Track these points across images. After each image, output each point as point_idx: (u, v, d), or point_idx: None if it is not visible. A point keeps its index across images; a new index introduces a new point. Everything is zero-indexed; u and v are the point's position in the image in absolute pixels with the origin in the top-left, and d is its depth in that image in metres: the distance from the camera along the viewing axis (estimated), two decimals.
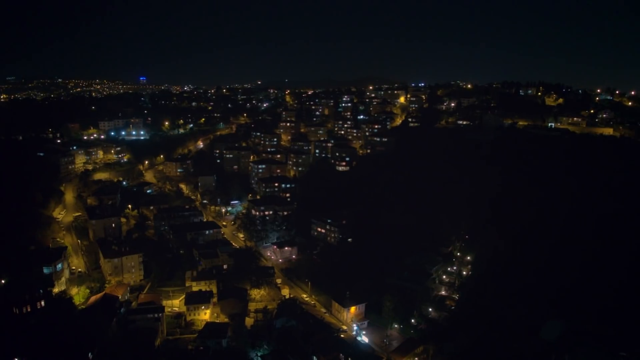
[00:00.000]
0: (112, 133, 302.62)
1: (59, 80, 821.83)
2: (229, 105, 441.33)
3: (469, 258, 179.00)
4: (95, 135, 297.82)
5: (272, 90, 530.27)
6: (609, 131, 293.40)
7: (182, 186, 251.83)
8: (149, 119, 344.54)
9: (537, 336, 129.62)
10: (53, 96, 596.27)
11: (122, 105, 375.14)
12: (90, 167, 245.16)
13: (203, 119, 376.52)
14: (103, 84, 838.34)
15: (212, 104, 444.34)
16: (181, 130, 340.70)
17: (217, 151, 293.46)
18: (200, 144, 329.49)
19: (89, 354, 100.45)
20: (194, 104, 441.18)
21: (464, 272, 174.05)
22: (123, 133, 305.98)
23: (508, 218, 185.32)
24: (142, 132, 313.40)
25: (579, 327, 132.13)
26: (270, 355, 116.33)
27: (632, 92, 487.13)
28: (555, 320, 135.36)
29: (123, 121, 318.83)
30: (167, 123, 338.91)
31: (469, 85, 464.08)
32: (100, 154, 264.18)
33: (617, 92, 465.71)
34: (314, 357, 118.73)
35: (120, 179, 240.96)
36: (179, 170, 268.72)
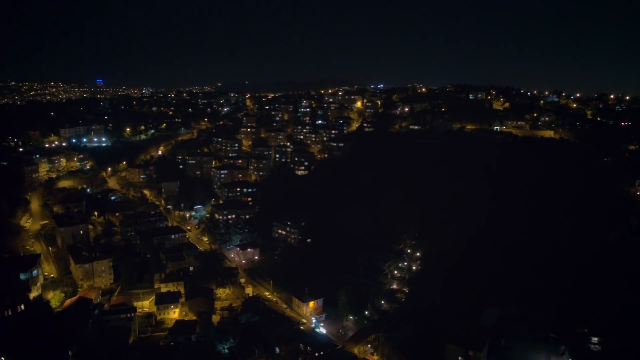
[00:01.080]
0: (74, 140, 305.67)
1: (12, 83, 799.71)
2: (190, 109, 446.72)
3: (418, 254, 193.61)
4: (56, 142, 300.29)
5: (232, 94, 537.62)
6: (549, 133, 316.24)
7: (146, 192, 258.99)
8: (110, 125, 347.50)
9: (477, 322, 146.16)
10: (7, 100, 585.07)
11: (82, 111, 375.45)
12: (54, 175, 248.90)
13: (164, 125, 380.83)
14: (58, 87, 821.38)
15: (172, 108, 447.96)
16: (143, 136, 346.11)
17: (180, 157, 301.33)
18: (162, 150, 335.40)
19: (69, 351, 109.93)
20: (154, 108, 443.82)
21: (414, 267, 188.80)
22: (85, 140, 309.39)
23: (454, 216, 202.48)
24: (103, 139, 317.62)
25: (514, 314, 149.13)
26: (236, 347, 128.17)
27: (578, 94, 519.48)
28: (493, 309, 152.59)
29: (84, 128, 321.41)
30: (128, 129, 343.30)
31: (424, 89, 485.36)
32: (63, 161, 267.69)
33: (563, 94, 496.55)
34: (277, 348, 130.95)
35: (85, 186, 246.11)
36: (142, 176, 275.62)
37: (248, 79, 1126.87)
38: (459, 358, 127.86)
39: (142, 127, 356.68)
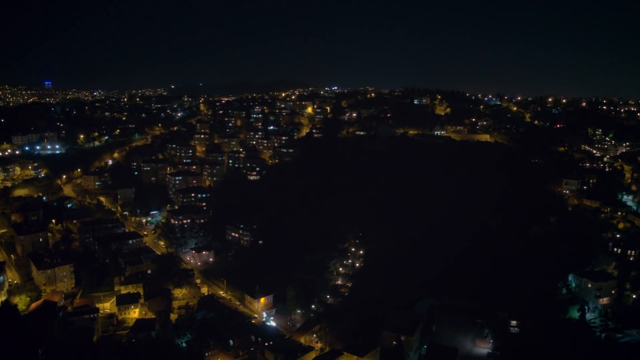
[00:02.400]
0: (27, 148, 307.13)
1: None
2: (143, 115, 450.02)
3: (361, 252, 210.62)
4: (9, 150, 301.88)
5: (186, 99, 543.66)
6: (485, 137, 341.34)
7: (102, 199, 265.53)
8: (63, 132, 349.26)
9: (412, 311, 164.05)
10: None
11: (33, 117, 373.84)
12: (9, 184, 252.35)
13: (118, 130, 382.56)
14: (5, 89, 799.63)
15: (126, 114, 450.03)
16: (97, 143, 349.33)
17: (135, 163, 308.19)
18: (117, 156, 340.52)
19: (39, 350, 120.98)
20: (107, 114, 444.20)
21: (357, 264, 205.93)
22: (38, 148, 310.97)
23: (394, 216, 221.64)
24: (57, 146, 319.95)
25: (445, 303, 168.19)
26: (193, 341, 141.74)
27: (519, 97, 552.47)
28: (426, 299, 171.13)
29: (37, 135, 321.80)
30: (82, 136, 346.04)
31: (373, 94, 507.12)
32: (18, 170, 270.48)
33: (505, 97, 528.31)
34: (230, 341, 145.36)
35: (40, 194, 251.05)
36: (97, 183, 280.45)
37: (202, 81, 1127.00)
38: (393, 342, 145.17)
39: (96, 134, 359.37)
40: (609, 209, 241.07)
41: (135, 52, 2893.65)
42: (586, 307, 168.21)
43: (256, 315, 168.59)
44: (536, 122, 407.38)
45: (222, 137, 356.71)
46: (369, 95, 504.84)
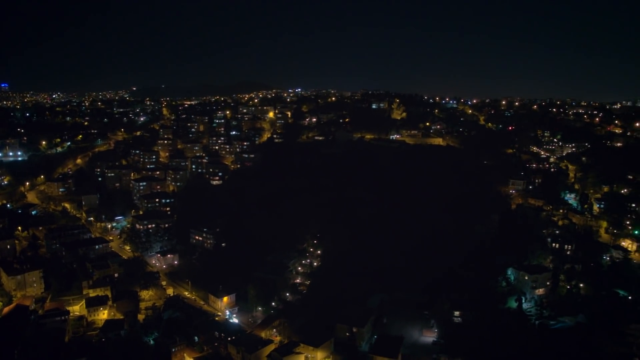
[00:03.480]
0: None
1: None
2: (105, 119, 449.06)
3: (319, 252, 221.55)
4: None
5: (148, 102, 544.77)
6: (438, 141, 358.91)
7: (67, 205, 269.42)
8: (25, 138, 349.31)
9: (365, 305, 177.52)
10: None
11: None
12: None
13: (80, 136, 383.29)
14: None
15: (87, 118, 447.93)
16: (59, 149, 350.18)
17: (98, 169, 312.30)
18: (80, 162, 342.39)
19: (14, 351, 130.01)
20: (68, 119, 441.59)
21: (315, 263, 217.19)
22: None
23: (350, 217, 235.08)
24: (19, 153, 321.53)
25: (395, 297, 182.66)
26: (160, 338, 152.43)
27: (475, 100, 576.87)
28: (379, 293, 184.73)
29: None
30: (44, 142, 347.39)
31: (334, 98, 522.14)
32: None
33: (462, 100, 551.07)
34: (195, 337, 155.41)
35: (4, 202, 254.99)
36: (60, 189, 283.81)
37: (165, 82, 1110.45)
38: (346, 334, 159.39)
39: (58, 140, 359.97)
40: (550, 207, 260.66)
41: (94, 52, 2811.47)
42: (523, 298, 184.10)
43: (219, 313, 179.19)
44: (489, 124, 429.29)
45: (185, 143, 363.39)
46: (330, 99, 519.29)
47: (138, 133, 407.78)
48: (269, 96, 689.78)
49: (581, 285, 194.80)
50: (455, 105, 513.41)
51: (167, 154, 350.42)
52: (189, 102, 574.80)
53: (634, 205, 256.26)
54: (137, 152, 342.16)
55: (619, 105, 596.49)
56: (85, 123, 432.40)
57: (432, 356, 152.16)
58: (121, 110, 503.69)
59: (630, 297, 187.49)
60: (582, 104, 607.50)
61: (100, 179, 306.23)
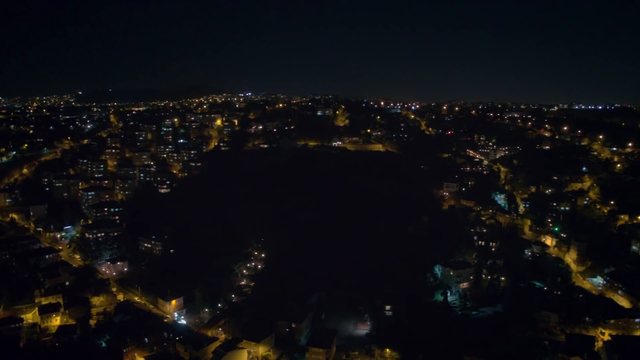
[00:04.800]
0: None
1: None
2: (51, 127, 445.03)
3: (263, 255, 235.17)
4: None
5: (95, 109, 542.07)
6: (378, 147, 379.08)
7: (14, 216, 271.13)
8: None
9: (304, 303, 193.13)
10: None
11: None
12: None
13: (26, 145, 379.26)
14: None
15: (32, 126, 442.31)
16: (4, 159, 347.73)
17: (46, 179, 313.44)
18: (26, 172, 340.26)
19: None
20: (12, 127, 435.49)
21: (259, 266, 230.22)
22: None
23: (292, 221, 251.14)
24: None
25: (333, 295, 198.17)
26: (112, 340, 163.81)
27: (417, 105, 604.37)
28: (319, 292, 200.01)
29: None
30: None
31: (281, 105, 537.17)
32: None
33: (405, 105, 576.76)
34: (146, 338, 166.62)
35: None
36: (7, 200, 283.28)
37: (112, 86, 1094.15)
38: (286, 329, 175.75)
39: (2, 149, 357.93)
40: (480, 207, 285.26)
41: (37, 54, 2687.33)
42: (449, 291, 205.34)
43: (168, 316, 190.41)
44: (430, 129, 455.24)
45: (133, 151, 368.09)
46: (278, 105, 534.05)
47: (85, 141, 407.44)
48: (219, 100, 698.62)
49: (502, 278, 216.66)
50: (399, 111, 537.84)
51: (115, 162, 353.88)
52: (137, 109, 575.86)
53: (554, 204, 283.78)
54: (85, 161, 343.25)
55: (556, 108, 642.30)
56: (31, 131, 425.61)
57: (365, 346, 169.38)
58: (67, 117, 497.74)
59: (545, 288, 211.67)
60: (522, 107, 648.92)
61: (47, 188, 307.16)
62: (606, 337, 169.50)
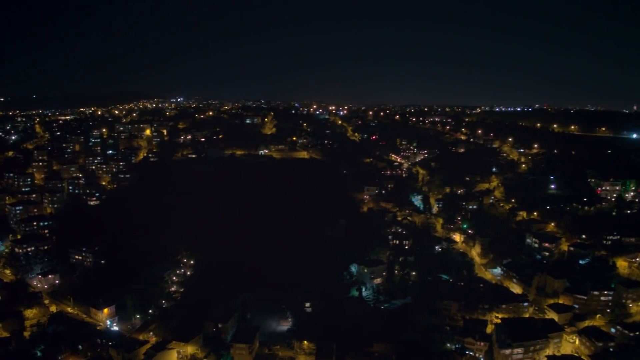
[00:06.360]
0: None
1: None
2: None
3: (192, 262, 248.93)
4: None
5: (20, 119, 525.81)
6: (303, 154, 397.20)
7: None
8: None
9: (231, 304, 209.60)
10: None
11: None
12: None
13: None
14: None
15: None
16: None
17: None
18: None
19: None
20: None
21: (188, 272, 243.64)
22: None
23: (219, 228, 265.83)
24: None
25: (259, 296, 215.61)
26: (47, 349, 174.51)
27: (345, 111, 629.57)
28: (244, 293, 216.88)
29: None
30: None
31: (211, 113, 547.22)
32: None
33: (334, 111, 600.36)
34: (80, 345, 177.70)
35: None
36: None
37: (36, 92, 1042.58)
38: (213, 329, 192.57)
39: None
40: (397, 209, 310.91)
41: None
42: (363, 287, 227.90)
43: (101, 323, 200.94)
44: (356, 135, 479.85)
45: (61, 164, 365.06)
46: (208, 113, 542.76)
47: (10, 154, 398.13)
48: (150, 106, 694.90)
49: (412, 273, 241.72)
50: (327, 117, 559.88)
51: (43, 175, 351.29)
52: (63, 118, 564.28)
53: (464, 203, 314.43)
54: (11, 174, 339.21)
55: (478, 110, 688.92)
56: None
57: (286, 341, 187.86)
58: None
59: (450, 280, 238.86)
60: (447, 109, 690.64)
61: None
62: (498, 320, 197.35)
